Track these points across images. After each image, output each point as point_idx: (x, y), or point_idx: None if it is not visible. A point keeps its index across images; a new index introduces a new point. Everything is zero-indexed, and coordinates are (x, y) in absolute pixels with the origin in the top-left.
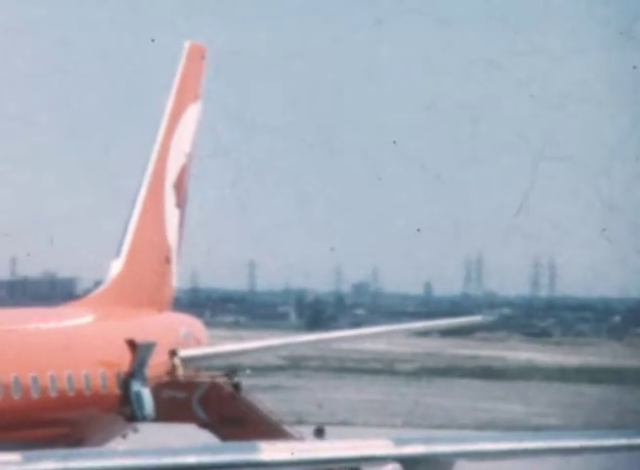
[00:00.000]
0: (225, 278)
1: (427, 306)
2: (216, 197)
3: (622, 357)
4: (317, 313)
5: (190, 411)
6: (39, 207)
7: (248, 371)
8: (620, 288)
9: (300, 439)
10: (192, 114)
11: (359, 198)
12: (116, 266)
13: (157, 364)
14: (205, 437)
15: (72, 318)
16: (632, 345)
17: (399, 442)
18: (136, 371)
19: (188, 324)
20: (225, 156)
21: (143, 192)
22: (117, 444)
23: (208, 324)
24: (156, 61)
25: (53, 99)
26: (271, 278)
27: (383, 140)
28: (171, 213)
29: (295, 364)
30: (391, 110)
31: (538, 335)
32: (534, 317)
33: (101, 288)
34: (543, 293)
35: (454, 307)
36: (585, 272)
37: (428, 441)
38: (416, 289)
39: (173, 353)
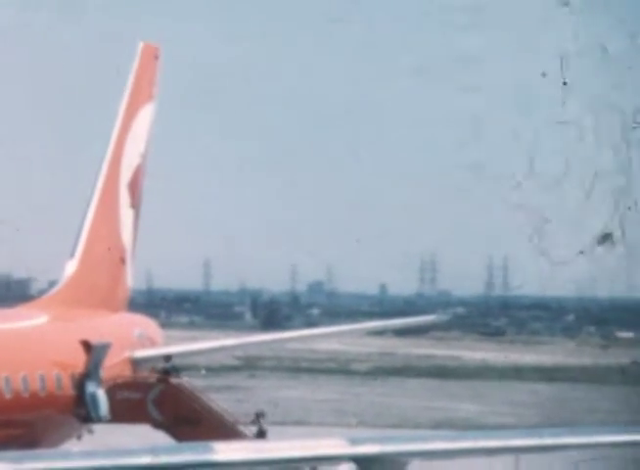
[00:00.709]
0: (180, 278)
1: (381, 306)
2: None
3: (576, 356)
4: (272, 313)
5: (144, 412)
6: None
7: (203, 371)
8: (574, 287)
9: (255, 439)
10: (146, 114)
11: (315, 197)
12: (71, 267)
13: (111, 365)
14: (160, 437)
15: (27, 319)
16: (586, 343)
17: (354, 441)
18: (91, 372)
19: (142, 325)
20: (179, 155)
21: (97, 192)
22: (72, 445)
23: (164, 324)
24: (109, 61)
25: (5, 98)
26: (226, 278)
27: (341, 139)
28: (126, 214)
29: (249, 364)
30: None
31: (493, 334)
32: (489, 316)
33: (55, 289)
34: (497, 292)
35: (409, 307)
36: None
37: (382, 440)
38: (371, 288)
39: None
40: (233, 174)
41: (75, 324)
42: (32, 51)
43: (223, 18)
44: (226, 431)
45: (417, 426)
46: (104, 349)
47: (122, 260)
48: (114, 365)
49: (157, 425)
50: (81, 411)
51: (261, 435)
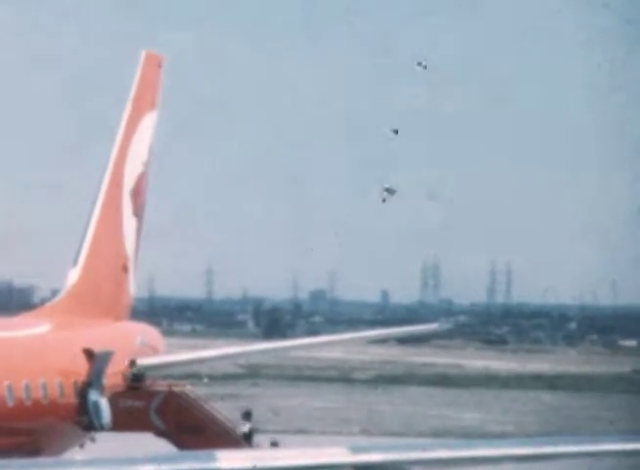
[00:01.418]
0: (182, 286)
1: (383, 314)
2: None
3: (578, 364)
4: (274, 321)
5: (147, 420)
6: None
7: (205, 379)
8: (576, 295)
9: (258, 447)
10: (149, 122)
11: (317, 206)
12: (73, 275)
13: (114, 373)
14: (163, 446)
15: (30, 327)
16: (587, 352)
17: (356, 449)
18: (93, 380)
19: (145, 333)
20: (183, 165)
21: (100, 200)
22: (75, 453)
23: (166, 333)
24: (113, 70)
25: (8, 108)
26: (228, 286)
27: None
28: (129, 222)
29: (252, 372)
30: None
31: (494, 342)
32: (490, 325)
33: (58, 297)
34: (499, 300)
35: (411, 315)
36: (541, 280)
37: (384, 448)
38: (373, 296)
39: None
40: (235, 183)
41: (78, 332)
42: (35, 60)
43: (223, 22)
44: (229, 439)
45: (418, 434)
46: (106, 357)
47: (125, 269)
48: (116, 373)
49: (159, 433)
50: (84, 419)
51: (249, 436)
